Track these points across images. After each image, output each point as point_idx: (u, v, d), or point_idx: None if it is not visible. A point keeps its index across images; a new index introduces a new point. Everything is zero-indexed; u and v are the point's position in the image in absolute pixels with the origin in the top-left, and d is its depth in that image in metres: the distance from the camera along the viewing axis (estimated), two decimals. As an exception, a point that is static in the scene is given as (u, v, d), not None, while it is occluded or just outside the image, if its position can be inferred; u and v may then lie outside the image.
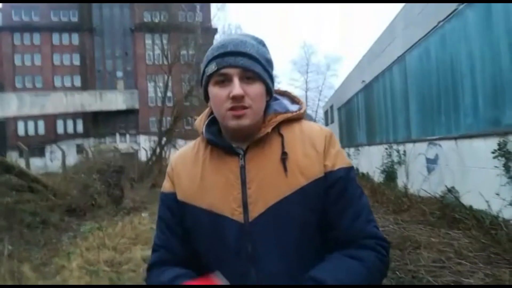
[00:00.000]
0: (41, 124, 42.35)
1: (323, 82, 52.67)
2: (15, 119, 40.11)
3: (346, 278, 0.92)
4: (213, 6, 36.24)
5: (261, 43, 1.08)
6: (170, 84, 25.86)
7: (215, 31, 37.72)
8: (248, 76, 1.00)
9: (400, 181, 10.33)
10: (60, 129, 43.35)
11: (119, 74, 47.16)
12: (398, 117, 11.42)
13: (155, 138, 21.09)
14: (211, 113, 1.13)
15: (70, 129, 43.51)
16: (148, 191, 12.09)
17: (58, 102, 38.94)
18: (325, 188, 1.02)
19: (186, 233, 1.08)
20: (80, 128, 43.56)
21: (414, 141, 9.81)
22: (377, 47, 13.51)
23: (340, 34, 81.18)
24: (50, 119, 42.16)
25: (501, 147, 5.79)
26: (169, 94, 31.53)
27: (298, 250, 1.00)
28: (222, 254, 1.02)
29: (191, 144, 1.18)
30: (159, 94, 39.16)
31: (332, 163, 1.04)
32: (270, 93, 1.07)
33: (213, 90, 1.02)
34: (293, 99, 1.16)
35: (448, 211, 6.17)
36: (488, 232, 4.82)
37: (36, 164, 20.78)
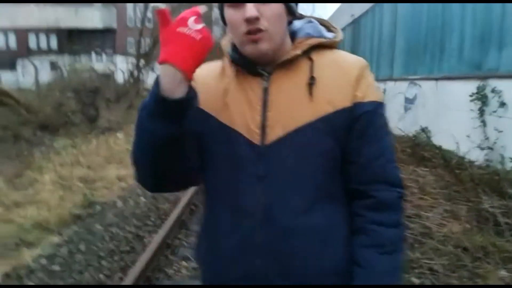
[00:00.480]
0: (12, 37, 40.07)
1: (311, 13, 50.94)
2: (-16, 30, 37.78)
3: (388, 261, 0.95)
4: None
5: None
6: (151, 4, 24.49)
7: None
8: None
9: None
10: (32, 44, 41.18)
11: (97, -12, 44.07)
12: (383, 55, 11.32)
13: (133, 59, 20.38)
14: None
15: (43, 45, 41.40)
16: (124, 113, 11.91)
17: (29, 15, 36.58)
18: (352, 119, 0.96)
19: (191, 133, 1.01)
20: (54, 44, 41.48)
21: (395, 80, 9.85)
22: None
23: (333, -35, 77.24)
24: (22, 33, 39.88)
25: (479, 90, 5.86)
26: (149, 14, 30.04)
27: (316, 180, 0.96)
28: (231, 171, 0.99)
29: (217, 61, 1.11)
30: (138, 14, 37.32)
31: (363, 94, 0.97)
32: (291, 12, 0.98)
33: (228, 13, 0.94)
34: (329, 27, 1.07)
35: (419, 149, 6.36)
36: (453, 171, 5.02)
37: (7, 78, 19.97)
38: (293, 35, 1.03)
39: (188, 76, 0.83)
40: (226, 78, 1.03)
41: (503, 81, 5.50)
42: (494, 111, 5.52)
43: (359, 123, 0.96)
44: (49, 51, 39.94)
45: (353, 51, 14.79)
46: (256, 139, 0.96)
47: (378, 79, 11.27)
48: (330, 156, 0.97)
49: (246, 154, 0.96)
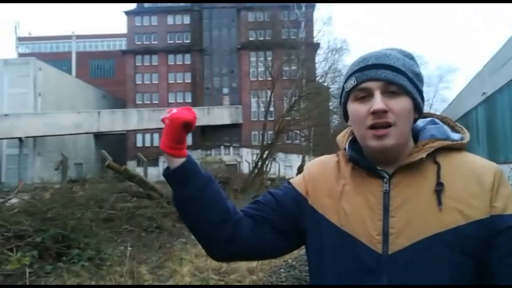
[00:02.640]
0: (156, 136, 46.62)
1: (434, 95, 49.10)
2: (135, 132, 44.77)
3: None
4: (317, 21, 36.49)
5: (409, 56, 0.98)
6: (272, 99, 26.47)
7: (317, 46, 37.82)
8: (392, 90, 0.90)
9: None
10: (172, 142, 47.39)
11: (225, 90, 49.88)
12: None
13: (257, 151, 21.65)
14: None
15: (182, 142, 47.31)
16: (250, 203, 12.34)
17: (171, 117, 42.64)
18: (491, 233, 0.85)
19: (294, 230, 1.03)
20: (189, 140, 46.90)
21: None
22: (502, 55, 12.14)
23: (454, 44, 75.28)
24: (164, 133, 46.38)
25: None
26: (271, 109, 32.31)
27: None
28: (349, 278, 0.92)
29: (331, 156, 1.10)
30: (262, 109, 40.48)
31: (504, 205, 0.86)
32: (418, 110, 0.95)
33: (352, 106, 0.95)
34: (454, 127, 1.01)
35: None
36: None
37: (152, 173, 22.72)
38: (415, 135, 0.98)
39: (170, 152, 0.97)
40: (342, 178, 1.00)
41: None
42: None
43: (504, 238, 0.85)
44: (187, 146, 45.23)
45: (490, 130, 13.50)
46: (377, 247, 0.90)
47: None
48: (458, 271, 0.86)
49: (367, 262, 0.90)
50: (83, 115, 39.03)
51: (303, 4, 35.46)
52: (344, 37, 64.10)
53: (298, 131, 27.27)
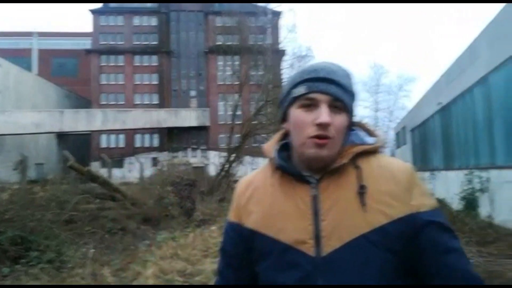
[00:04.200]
0: (121, 137, 45.69)
1: (394, 102, 50.85)
2: (99, 132, 43.65)
3: None
4: (283, 29, 37.03)
5: (349, 75, 1.04)
6: (239, 103, 26.60)
7: (283, 52, 38.34)
8: (336, 106, 0.96)
9: (483, 210, 9.55)
10: (138, 143, 46.46)
11: (193, 93, 49.54)
12: (480, 142, 10.66)
13: (224, 153, 21.68)
14: (282, 138, 1.10)
15: (147, 143, 46.51)
16: (217, 205, 12.40)
17: (137, 118, 41.91)
18: (412, 231, 0.93)
19: (249, 262, 1.06)
20: (156, 142, 46.38)
21: (500, 168, 9.07)
22: (456, 67, 12.82)
23: (414, 54, 78.33)
24: (130, 134, 45.45)
25: None
26: (238, 112, 32.39)
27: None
28: (287, 284, 0.97)
29: (258, 170, 1.15)
30: (229, 112, 40.47)
31: (419, 203, 0.95)
32: (350, 126, 1.03)
33: (297, 113, 0.98)
34: (369, 131, 1.08)
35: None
36: None
37: (116, 175, 22.25)
38: None
39: None
40: (269, 185, 1.05)
41: None
42: None
43: (424, 235, 0.93)
44: (152, 148, 44.77)
45: (445, 138, 14.20)
46: (311, 250, 0.94)
47: (478, 167, 10.49)
48: (388, 269, 0.92)
49: (304, 267, 0.94)
50: (44, 114, 37.60)
51: (269, 11, 35.85)
52: (309, 44, 65.02)
53: (265, 135, 27.51)
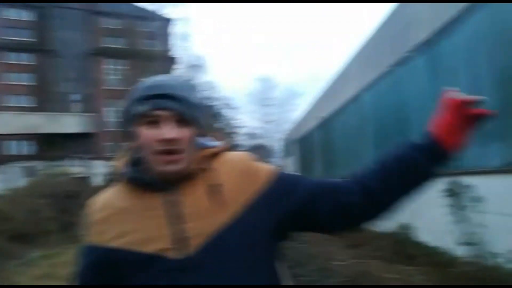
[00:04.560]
0: (-12, 142, 40.12)
1: (282, 115, 53.86)
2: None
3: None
4: (175, 36, 36.55)
5: (194, 88, 1.11)
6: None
7: (175, 60, 37.95)
8: (182, 120, 0.99)
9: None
10: (13, 150, 41.23)
11: (76, 97, 45.86)
12: (352, 153, 11.86)
13: (110, 163, 20.47)
14: (132, 153, 1.10)
15: (23, 151, 41.47)
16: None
17: (8, 123, 37.15)
18: (271, 201, 1.04)
19: (109, 281, 1.03)
20: (32, 150, 41.58)
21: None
22: (334, 85, 14.17)
23: (302, 69, 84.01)
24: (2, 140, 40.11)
25: (452, 186, 6.15)
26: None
27: (249, 273, 0.98)
28: None
29: (110, 188, 1.13)
30: (118, 119, 38.43)
31: (261, 179, 1.06)
32: (200, 135, 1.09)
33: (142, 131, 0.99)
34: (217, 137, 1.18)
35: (403, 246, 6.38)
36: (440, 269, 5.01)
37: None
38: None
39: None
40: (123, 200, 1.05)
41: (474, 177, 5.83)
42: (469, 206, 5.75)
43: (285, 195, 1.04)
44: (29, 156, 39.79)
45: (325, 150, 15.51)
46: (177, 254, 0.96)
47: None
48: (258, 249, 1.00)
49: (171, 272, 0.95)
50: None
51: (159, 17, 35.20)
52: (201, 54, 65.53)
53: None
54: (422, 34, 7.35)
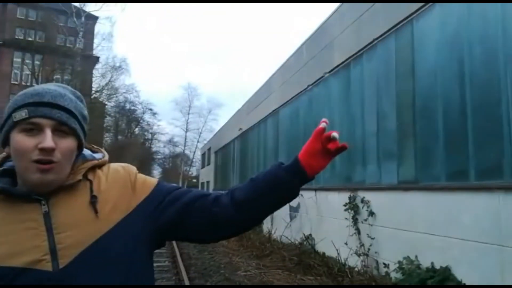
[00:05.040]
0: None
1: (203, 124, 53.67)
2: None
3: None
4: (98, 35, 34.83)
5: (79, 98, 1.06)
6: None
7: (96, 59, 36.06)
8: (62, 130, 0.96)
9: (265, 227, 10.86)
10: None
11: (-26, 88, 41.28)
12: (268, 166, 12.17)
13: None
14: (3, 162, 1.05)
15: None
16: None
17: None
18: (150, 210, 1.06)
19: None
20: None
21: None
22: (255, 98, 14.48)
23: (223, 81, 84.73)
24: None
25: (351, 200, 6.60)
26: None
27: (124, 282, 0.97)
28: None
29: None
30: None
31: (141, 191, 1.08)
32: (80, 148, 1.05)
33: (18, 138, 0.94)
34: (92, 149, 1.15)
35: (305, 257, 6.66)
36: (336, 279, 5.31)
37: None
38: None
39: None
40: None
41: (370, 193, 6.31)
42: (365, 220, 6.20)
43: (162, 206, 1.07)
44: None
45: (242, 161, 15.73)
46: (48, 266, 0.92)
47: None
48: (135, 258, 1.01)
49: (42, 285, 0.91)
50: None
51: (82, 14, 33.31)
52: (124, 56, 63.19)
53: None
54: (337, 58, 7.85)
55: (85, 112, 1.06)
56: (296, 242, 7.71)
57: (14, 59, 40.11)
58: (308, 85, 9.12)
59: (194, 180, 45.12)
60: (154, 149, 52.46)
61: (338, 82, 7.80)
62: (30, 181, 0.95)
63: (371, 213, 6.13)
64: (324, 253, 6.80)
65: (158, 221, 1.06)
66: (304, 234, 7.67)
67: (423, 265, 4.86)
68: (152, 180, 1.14)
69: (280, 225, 9.76)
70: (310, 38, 9.60)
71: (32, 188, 0.96)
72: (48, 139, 0.93)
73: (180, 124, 54.03)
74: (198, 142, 49.33)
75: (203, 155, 31.59)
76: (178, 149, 51.87)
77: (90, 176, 1.05)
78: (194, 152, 49.99)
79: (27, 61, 35.41)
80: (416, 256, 5.05)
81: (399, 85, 5.89)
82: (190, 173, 51.27)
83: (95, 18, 36.01)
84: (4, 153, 1.04)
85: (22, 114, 0.94)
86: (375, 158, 6.33)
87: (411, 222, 5.30)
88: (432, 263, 4.68)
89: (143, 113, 46.25)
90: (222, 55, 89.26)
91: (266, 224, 10.89)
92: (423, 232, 5.04)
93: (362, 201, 6.35)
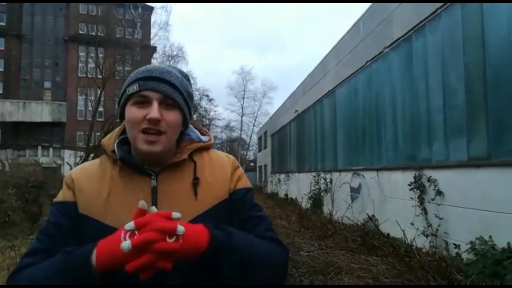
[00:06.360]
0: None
1: (258, 108, 54.10)
2: None
3: (248, 239, 1.01)
4: (155, 25, 35.91)
5: (186, 77, 1.13)
6: (102, 98, 24.90)
7: (154, 49, 37.31)
8: (167, 103, 1.03)
9: (326, 208, 10.79)
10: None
11: (47, 84, 44.60)
12: (326, 147, 12.02)
13: (81, 153, 19.98)
14: (122, 133, 1.15)
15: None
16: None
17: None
18: (230, 204, 1.12)
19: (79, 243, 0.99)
20: (0, 138, 40.06)
21: (340, 171, 10.37)
22: (310, 80, 14.25)
23: (278, 63, 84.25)
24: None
25: (416, 180, 6.34)
26: (100, 108, 30.29)
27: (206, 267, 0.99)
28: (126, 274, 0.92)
29: (94, 161, 1.16)
30: (90, 108, 37.54)
31: (235, 184, 1.15)
32: (185, 124, 1.12)
33: (131, 109, 1.04)
34: (201, 131, 1.23)
35: (368, 238, 6.54)
36: (403, 259, 5.17)
37: None
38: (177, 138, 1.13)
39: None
40: (108, 179, 1.07)
41: (437, 171, 6.02)
42: (432, 199, 5.94)
43: (236, 203, 1.12)
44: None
45: (299, 144, 15.64)
46: None
47: (324, 170, 11.79)
48: None
49: None
50: None
51: (139, 5, 34.43)
52: (181, 44, 64.71)
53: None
54: (397, 32, 7.49)
55: (191, 90, 1.13)
56: (359, 223, 7.58)
57: (80, 53, 42.65)
58: (367, 61, 8.81)
59: (252, 164, 45.65)
60: (212, 134, 53.54)
61: (398, 56, 7.45)
62: (140, 151, 1.04)
63: (439, 192, 5.86)
64: (388, 234, 6.64)
65: (228, 221, 1.09)
66: (368, 215, 7.53)
67: (498, 246, 4.59)
68: (248, 182, 1.19)
69: (341, 206, 9.66)
70: (366, 13, 9.22)
71: (143, 159, 1.06)
72: (154, 110, 1.01)
73: (235, 109, 54.82)
74: (254, 126, 49.67)
75: (259, 138, 31.80)
76: (235, 134, 52.66)
77: (195, 158, 1.14)
78: (251, 136, 50.45)
79: (91, 54, 37.41)
80: (490, 236, 4.77)
81: (467, 56, 5.50)
82: (247, 157, 51.92)
83: (151, 9, 37.09)
84: (122, 125, 1.14)
85: (134, 87, 1.04)
86: (442, 135, 6.01)
87: (483, 201, 5.00)
88: (508, 243, 4.39)
89: (200, 99, 47.42)
90: (275, 38, 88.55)
91: (327, 206, 10.82)
92: (498, 211, 4.74)
93: (429, 180, 6.08)
